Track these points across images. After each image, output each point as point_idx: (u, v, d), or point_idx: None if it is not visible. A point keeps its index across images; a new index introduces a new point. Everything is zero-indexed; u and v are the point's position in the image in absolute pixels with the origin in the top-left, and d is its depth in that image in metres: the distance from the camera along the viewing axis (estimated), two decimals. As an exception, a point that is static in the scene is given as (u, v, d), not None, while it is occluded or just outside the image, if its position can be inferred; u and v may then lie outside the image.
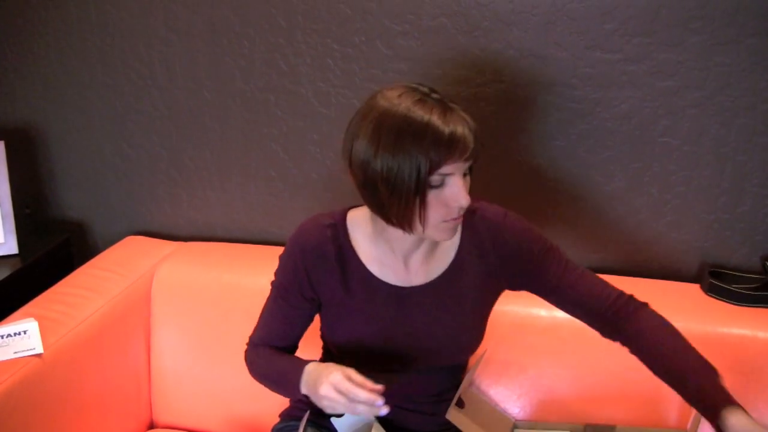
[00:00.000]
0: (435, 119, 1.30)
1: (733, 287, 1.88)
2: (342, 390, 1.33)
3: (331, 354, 1.63)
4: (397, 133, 1.31)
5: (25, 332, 1.78)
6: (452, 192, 1.34)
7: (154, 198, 2.35)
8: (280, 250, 2.15)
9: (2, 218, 2.21)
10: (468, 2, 1.92)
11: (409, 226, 1.38)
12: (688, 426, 1.71)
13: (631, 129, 1.94)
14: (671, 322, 1.51)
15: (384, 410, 1.30)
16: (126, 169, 2.34)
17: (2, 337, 1.75)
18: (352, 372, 1.36)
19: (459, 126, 1.31)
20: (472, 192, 1.40)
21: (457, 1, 1.92)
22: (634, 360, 1.79)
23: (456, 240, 1.54)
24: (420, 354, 1.54)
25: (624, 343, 1.53)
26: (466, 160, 1.34)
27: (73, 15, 2.18)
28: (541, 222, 2.07)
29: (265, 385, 1.60)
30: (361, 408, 1.32)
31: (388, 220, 1.39)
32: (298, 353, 1.63)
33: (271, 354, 1.59)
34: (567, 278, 1.53)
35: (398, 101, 1.33)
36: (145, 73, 2.20)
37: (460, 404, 1.67)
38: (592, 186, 2.01)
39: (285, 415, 1.73)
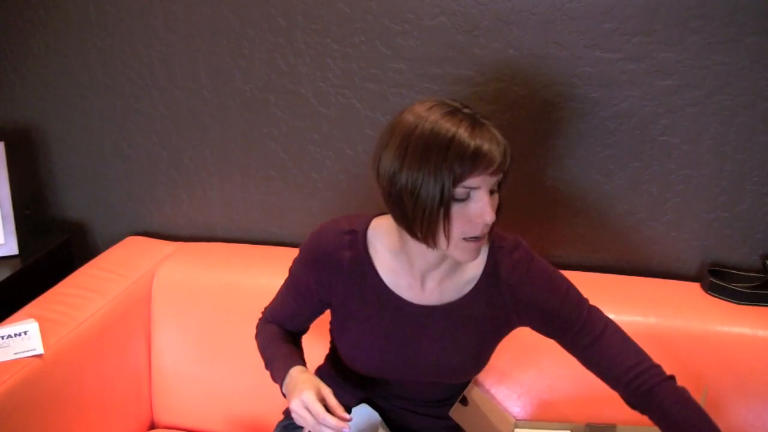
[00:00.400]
0: (461, 132, 1.29)
1: (733, 286, 1.89)
2: (311, 410, 1.35)
3: (336, 353, 1.64)
4: (423, 146, 1.30)
5: (25, 333, 1.78)
6: (476, 207, 1.33)
7: (154, 198, 2.35)
8: (280, 249, 2.17)
9: (2, 219, 2.21)
10: (467, 1, 1.92)
11: (433, 241, 1.36)
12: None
13: (630, 128, 1.94)
14: (677, 380, 1.47)
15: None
16: (126, 170, 2.34)
17: (3, 337, 1.75)
18: (327, 393, 1.38)
19: (486, 140, 1.30)
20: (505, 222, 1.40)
21: (457, 1, 1.92)
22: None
23: (478, 270, 1.51)
24: (418, 372, 1.54)
25: (648, 415, 1.49)
26: (493, 174, 1.32)
27: (72, 15, 2.18)
28: (540, 221, 2.07)
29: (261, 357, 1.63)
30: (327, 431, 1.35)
31: (413, 233, 1.37)
32: (306, 340, 1.65)
33: (274, 336, 1.61)
34: (585, 336, 1.48)
35: (426, 114, 1.32)
36: (145, 73, 2.20)
37: (464, 402, 1.67)
38: (591, 185, 2.01)
39: (289, 413, 1.73)
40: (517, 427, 1.83)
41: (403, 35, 1.99)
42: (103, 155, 2.34)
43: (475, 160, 1.28)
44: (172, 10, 2.11)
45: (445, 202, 1.30)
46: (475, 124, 1.31)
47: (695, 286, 1.97)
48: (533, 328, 1.53)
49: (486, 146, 1.29)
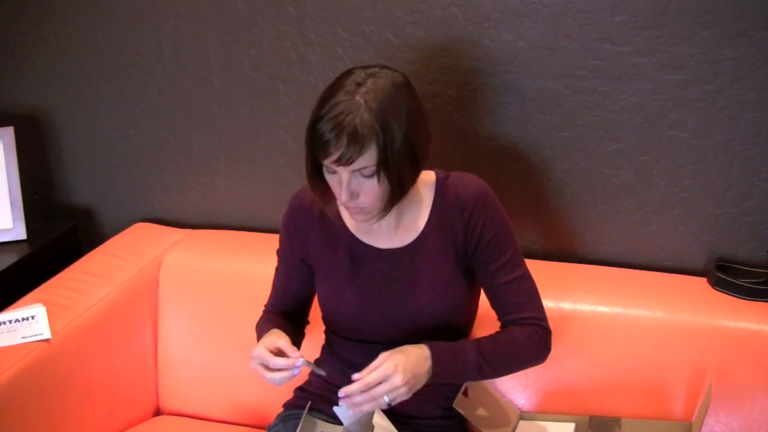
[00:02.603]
0: (327, 116, 1.37)
1: (740, 281, 1.88)
2: (261, 359, 1.44)
3: (331, 334, 1.69)
4: (314, 111, 1.40)
5: (33, 317, 1.79)
6: (334, 185, 1.45)
7: (161, 185, 2.35)
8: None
9: (11, 204, 2.22)
10: (478, -7, 1.92)
11: (321, 200, 1.52)
12: (693, 418, 1.71)
13: (639, 122, 1.93)
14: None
15: (297, 369, 1.42)
16: (134, 156, 2.34)
17: (10, 322, 1.76)
18: (281, 343, 1.46)
19: (334, 131, 1.36)
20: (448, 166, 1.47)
21: (468, -8, 1.92)
22: (639, 352, 1.81)
23: (428, 206, 1.59)
24: (397, 314, 1.57)
25: None
26: (338, 164, 1.38)
27: (81, 1, 2.18)
28: (548, 214, 2.07)
29: None
30: (278, 376, 1.43)
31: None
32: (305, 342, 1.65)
33: (266, 320, 1.67)
34: (498, 277, 1.57)
35: (338, 84, 1.41)
36: (154, 60, 2.20)
37: (466, 394, 1.68)
38: (600, 178, 2.01)
39: (288, 405, 1.74)
40: (522, 419, 1.83)
41: (413, 25, 1.98)
42: (112, 141, 2.34)
43: (318, 146, 1.38)
44: (182, -3, 2.11)
45: (313, 169, 1.44)
46: (344, 112, 1.36)
47: (702, 281, 1.96)
48: (467, 250, 1.58)
49: (328, 138, 1.36)
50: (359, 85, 1.39)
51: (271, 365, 1.43)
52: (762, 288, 1.86)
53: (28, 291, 1.94)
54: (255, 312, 1.71)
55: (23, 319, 1.78)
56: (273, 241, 2.15)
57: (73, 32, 2.23)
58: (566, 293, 1.88)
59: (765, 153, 1.89)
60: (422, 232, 1.58)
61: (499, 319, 1.62)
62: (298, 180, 2.19)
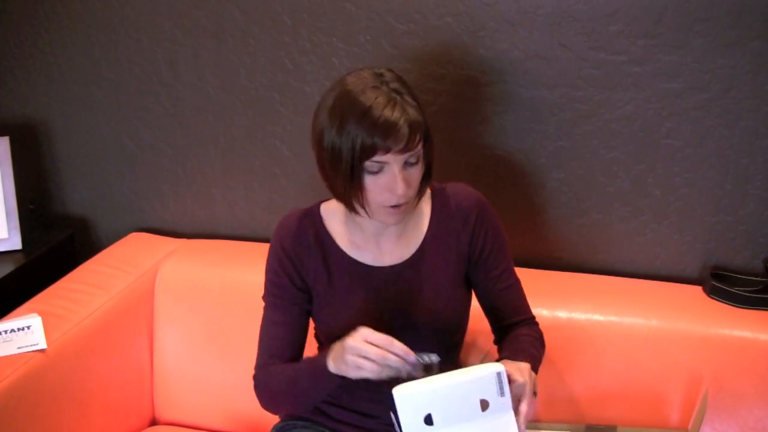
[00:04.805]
0: (375, 106, 1.34)
1: (736, 289, 1.89)
2: (373, 340, 1.33)
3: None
4: (346, 112, 1.36)
5: (28, 327, 1.79)
6: (387, 181, 1.39)
7: (158, 195, 2.35)
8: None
9: (6, 214, 2.21)
10: (473, 2, 1.92)
11: (351, 207, 1.44)
12: (689, 426, 1.71)
13: (634, 130, 1.94)
14: None
15: (412, 358, 1.32)
16: (130, 166, 2.34)
17: (6, 332, 1.76)
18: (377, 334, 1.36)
19: (395, 118, 1.34)
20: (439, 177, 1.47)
21: (463, 1, 1.92)
22: (635, 361, 1.81)
23: (425, 219, 1.59)
24: (404, 329, 1.53)
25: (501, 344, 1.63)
26: (402, 152, 1.36)
27: (78, 11, 2.19)
28: (544, 223, 2.07)
29: (282, 403, 1.62)
30: (393, 359, 1.31)
31: (337, 197, 1.47)
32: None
33: (283, 365, 1.57)
34: (498, 283, 1.60)
35: (360, 82, 1.38)
36: (150, 70, 2.21)
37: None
38: (595, 187, 2.01)
39: (285, 415, 1.73)
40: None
41: (408, 35, 1.99)
42: (108, 151, 2.34)
43: (383, 136, 1.34)
44: (178, 7, 2.11)
45: (357, 173, 1.37)
46: (392, 100, 1.35)
47: (697, 290, 1.97)
48: (470, 261, 1.59)
49: (393, 121, 1.34)
50: (379, 76, 1.40)
51: (386, 346, 1.32)
52: (757, 296, 1.87)
53: (24, 301, 1.93)
54: (251, 322, 1.68)
55: (19, 330, 1.78)
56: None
57: (69, 42, 2.23)
58: (562, 302, 1.88)
59: (759, 161, 1.90)
60: (422, 244, 1.57)
61: (497, 323, 1.63)
62: (294, 189, 2.20)
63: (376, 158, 1.36)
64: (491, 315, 1.64)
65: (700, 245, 2.01)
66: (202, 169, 2.29)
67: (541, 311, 1.76)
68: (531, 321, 1.64)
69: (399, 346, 1.33)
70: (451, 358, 1.68)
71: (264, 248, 2.17)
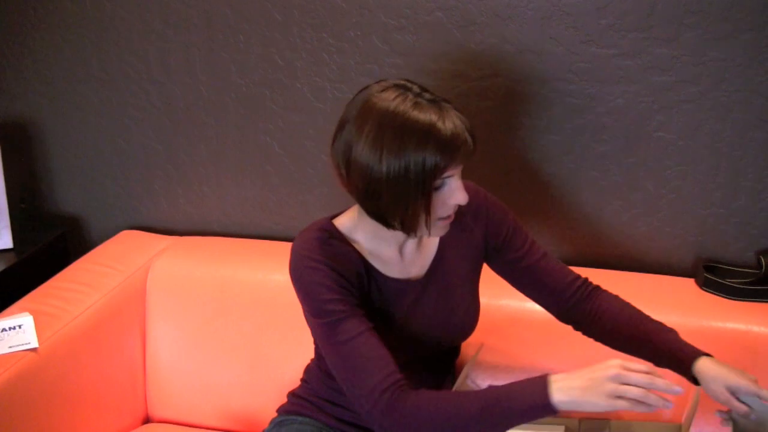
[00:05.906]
0: (436, 122, 1.31)
1: (728, 282, 1.89)
2: (637, 371, 1.24)
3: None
4: (401, 136, 1.31)
5: (20, 327, 1.78)
6: (451, 191, 1.37)
7: (149, 192, 2.35)
8: (275, 244, 2.17)
9: (-3, 213, 2.21)
10: (464, -3, 1.92)
11: (414, 230, 1.39)
12: (683, 419, 1.71)
13: (626, 124, 1.94)
14: (642, 309, 1.57)
15: (678, 389, 1.25)
16: (121, 164, 2.33)
17: (-3, 331, 1.76)
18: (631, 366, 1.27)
19: (458, 129, 1.33)
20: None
21: (453, -4, 1.93)
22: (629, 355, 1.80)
23: None
24: (425, 342, 1.55)
25: (580, 324, 1.60)
26: (467, 160, 1.37)
27: (68, 10, 2.18)
28: (536, 216, 2.07)
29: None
30: (660, 382, 1.24)
31: (390, 225, 1.39)
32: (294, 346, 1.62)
33: (445, 391, 1.45)
34: (531, 256, 1.58)
35: (395, 103, 1.33)
36: (141, 68, 2.20)
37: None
38: (587, 181, 2.01)
39: (283, 411, 1.73)
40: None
41: (399, 30, 1.99)
42: (99, 149, 2.33)
43: (454, 151, 1.32)
44: (168, 5, 2.10)
45: (426, 194, 1.34)
46: (441, 110, 1.33)
47: (690, 282, 1.97)
48: (489, 251, 1.60)
49: (460, 134, 1.33)
50: (404, 88, 1.36)
51: (650, 380, 1.24)
52: (750, 288, 1.87)
53: (16, 300, 1.93)
54: (243, 319, 1.69)
55: (10, 329, 1.77)
56: (261, 247, 2.16)
57: (60, 41, 2.22)
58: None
59: (751, 154, 1.90)
60: (439, 247, 1.57)
61: (556, 297, 1.59)
62: (285, 186, 2.20)
63: (447, 173, 1.35)
64: (543, 292, 1.59)
65: (693, 238, 2.01)
66: (193, 167, 2.28)
67: (534, 305, 1.75)
68: (585, 282, 1.60)
69: (660, 383, 1.24)
70: (450, 367, 1.69)
71: (256, 244, 2.18)
